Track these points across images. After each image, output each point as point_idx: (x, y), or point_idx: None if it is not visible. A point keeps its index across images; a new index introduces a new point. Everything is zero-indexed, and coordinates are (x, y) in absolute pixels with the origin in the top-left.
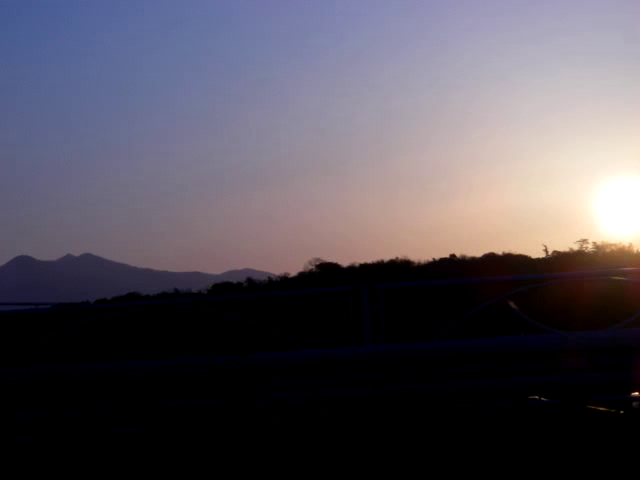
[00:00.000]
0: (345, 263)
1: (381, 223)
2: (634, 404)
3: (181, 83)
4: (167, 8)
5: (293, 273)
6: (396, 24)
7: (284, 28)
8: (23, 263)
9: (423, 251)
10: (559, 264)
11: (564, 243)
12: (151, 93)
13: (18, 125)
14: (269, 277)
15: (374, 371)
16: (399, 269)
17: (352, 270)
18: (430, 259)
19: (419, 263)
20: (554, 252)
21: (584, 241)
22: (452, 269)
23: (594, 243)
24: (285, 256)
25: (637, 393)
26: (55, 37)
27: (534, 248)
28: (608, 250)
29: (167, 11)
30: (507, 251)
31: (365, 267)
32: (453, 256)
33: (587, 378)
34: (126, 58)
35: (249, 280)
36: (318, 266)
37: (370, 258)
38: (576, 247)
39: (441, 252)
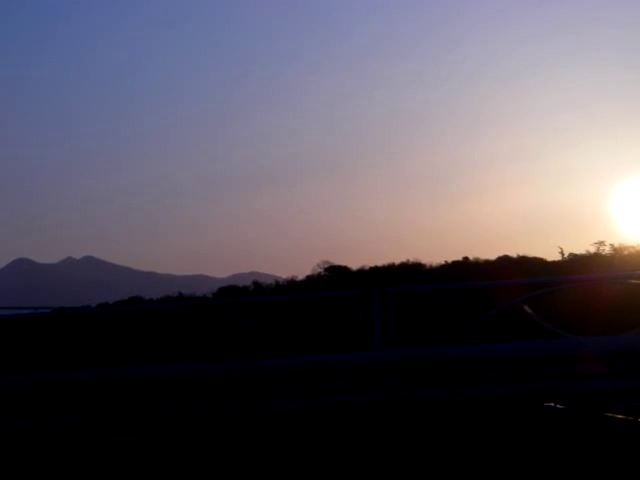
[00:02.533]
0: (355, 266)
1: (392, 225)
2: None
3: (185, 82)
4: (171, 5)
5: (301, 276)
6: (406, 21)
7: (291, 25)
8: (23, 266)
9: (435, 253)
10: (575, 267)
11: (580, 245)
12: (154, 92)
13: (18, 125)
14: (276, 280)
15: (385, 377)
16: (410, 272)
17: (362, 273)
18: (442, 262)
19: (431, 266)
20: (570, 254)
21: (601, 243)
22: (465, 272)
23: (611, 245)
24: (293, 259)
25: None
26: (55, 36)
27: (550, 250)
28: (626, 252)
29: (171, 8)
30: (522, 253)
31: (375, 270)
32: (466, 259)
33: (604, 384)
34: (128, 56)
35: (255, 283)
36: (327, 269)
37: (380, 261)
38: (593, 249)
39: (454, 254)
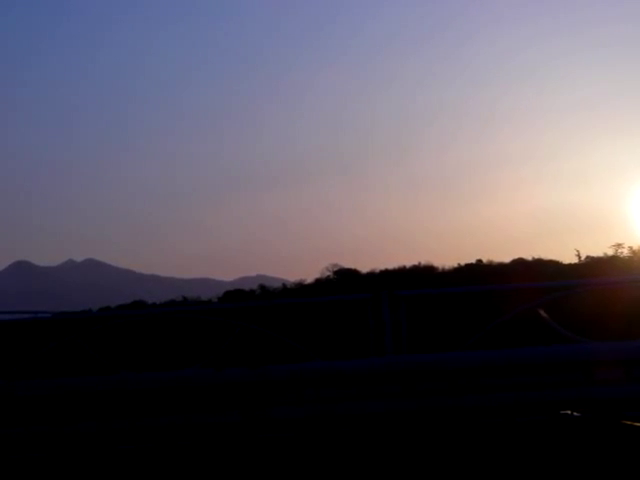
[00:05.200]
0: (364, 269)
1: (403, 226)
2: None
3: (190, 79)
4: (173, 0)
5: (309, 279)
6: (418, 16)
7: (299, 20)
8: (22, 268)
9: (447, 256)
10: (592, 270)
11: (598, 247)
12: (157, 90)
13: (18, 125)
14: (283, 284)
15: (395, 384)
16: (422, 275)
17: (372, 276)
18: (455, 265)
19: (443, 269)
20: (587, 257)
21: (619, 245)
22: (478, 275)
23: (630, 248)
24: (300, 261)
25: None
26: (55, 35)
27: (566, 253)
28: None
29: (173, 3)
30: (537, 256)
31: (386, 273)
32: (479, 261)
33: (622, 391)
34: (130, 53)
35: (262, 287)
36: (336, 272)
37: (391, 264)
38: (610, 252)
39: (467, 257)
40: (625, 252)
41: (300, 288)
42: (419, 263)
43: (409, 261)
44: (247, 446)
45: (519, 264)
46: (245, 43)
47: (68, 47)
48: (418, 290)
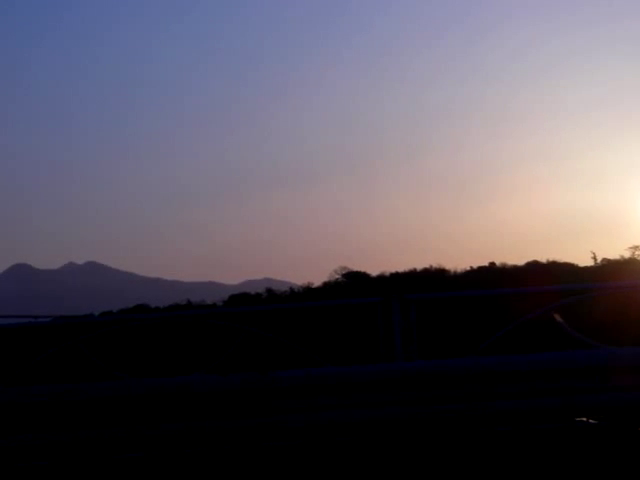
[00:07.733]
0: (374, 272)
1: (413, 228)
2: None
3: (193, 78)
4: None
5: (317, 283)
6: (429, 13)
7: (306, 14)
8: (21, 272)
9: (460, 259)
10: (609, 273)
11: (614, 250)
12: (161, 88)
13: (17, 125)
14: (290, 287)
15: (406, 390)
16: (433, 278)
17: (382, 279)
18: (467, 267)
19: (455, 272)
20: (603, 260)
21: (636, 248)
22: (492, 278)
23: None
24: (308, 264)
25: None
26: (55, 34)
27: (581, 255)
28: None
29: (177, 1)
30: (552, 259)
31: (396, 276)
32: (493, 264)
33: (639, 398)
34: (132, 52)
35: (269, 291)
36: (345, 275)
37: (401, 267)
38: (627, 254)
39: (479, 260)
40: None
41: (308, 292)
42: (430, 266)
43: (420, 264)
44: (255, 453)
45: (533, 267)
46: (250, 42)
47: (68, 46)
48: (429, 294)
